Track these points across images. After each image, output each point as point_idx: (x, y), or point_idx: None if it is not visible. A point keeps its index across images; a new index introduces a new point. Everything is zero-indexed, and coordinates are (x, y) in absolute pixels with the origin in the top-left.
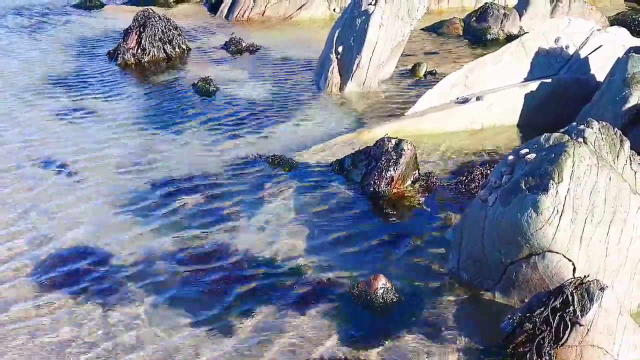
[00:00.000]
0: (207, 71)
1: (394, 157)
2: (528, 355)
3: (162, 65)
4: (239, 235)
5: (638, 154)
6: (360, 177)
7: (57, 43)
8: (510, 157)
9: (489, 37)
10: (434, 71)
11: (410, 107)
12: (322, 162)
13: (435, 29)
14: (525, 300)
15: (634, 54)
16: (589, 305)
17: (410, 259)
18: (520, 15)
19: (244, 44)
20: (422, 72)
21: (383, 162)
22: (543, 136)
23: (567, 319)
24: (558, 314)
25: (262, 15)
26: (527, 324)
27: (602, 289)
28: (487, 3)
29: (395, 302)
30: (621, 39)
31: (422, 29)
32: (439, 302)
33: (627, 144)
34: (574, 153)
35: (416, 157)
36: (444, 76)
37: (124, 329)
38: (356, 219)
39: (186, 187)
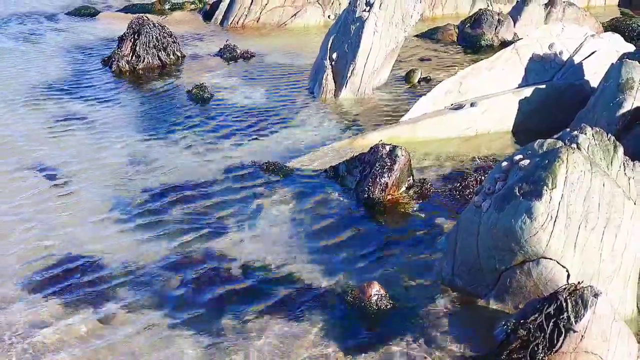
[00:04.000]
0: (202, 78)
1: (388, 164)
2: None
3: (157, 72)
4: (232, 242)
5: (632, 160)
6: (355, 184)
7: (51, 50)
8: (504, 164)
9: (483, 43)
10: (428, 77)
11: (404, 114)
12: (316, 169)
13: (430, 36)
14: (520, 307)
15: (627, 59)
16: (583, 311)
17: (405, 266)
18: (515, 22)
19: (238, 51)
20: (416, 79)
21: (377, 169)
22: (537, 142)
23: (561, 325)
24: (552, 321)
25: (257, 22)
26: (521, 330)
27: (596, 295)
28: (481, 9)
29: (389, 309)
30: (615, 45)
31: (416, 36)
32: (433, 308)
33: (620, 150)
34: (567, 159)
35: (410, 164)
36: (438, 82)
37: (116, 336)
38: (350, 225)
39: (180, 194)
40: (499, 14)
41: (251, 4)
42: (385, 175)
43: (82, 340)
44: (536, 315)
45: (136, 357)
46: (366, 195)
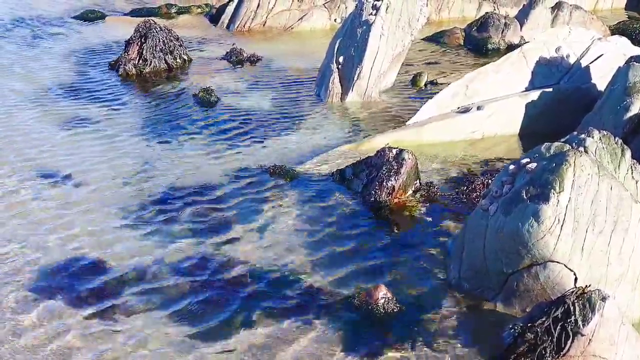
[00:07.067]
0: (208, 82)
1: (395, 167)
2: None
3: (164, 75)
4: (239, 245)
5: (639, 163)
6: (362, 187)
7: (58, 54)
8: (511, 167)
9: (489, 46)
10: (434, 81)
11: (411, 117)
12: (323, 172)
13: (436, 39)
14: (527, 310)
15: (634, 62)
16: (590, 315)
17: (412, 269)
18: (521, 25)
19: (244, 55)
20: (423, 82)
21: (384, 172)
22: (544, 145)
23: (569, 329)
24: (560, 324)
25: (263, 26)
26: (528, 334)
27: (603, 298)
28: (487, 13)
29: (396, 312)
30: (622, 48)
31: (422, 39)
32: (440, 312)
33: (628, 153)
34: (574, 162)
35: (417, 167)
36: (445, 86)
37: (123, 340)
38: (357, 229)
39: (187, 198)
40: (505, 17)
41: (257, 7)
42: (392, 178)
43: (89, 343)
44: (544, 319)
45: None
46: (373, 199)
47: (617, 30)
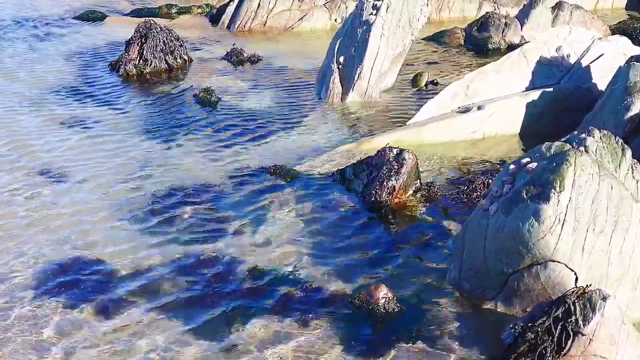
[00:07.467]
0: (209, 82)
1: (396, 167)
2: None
3: (164, 75)
4: (239, 245)
5: None
6: (362, 187)
7: (59, 54)
8: (512, 167)
9: (490, 46)
10: (435, 81)
11: (411, 117)
12: (323, 172)
13: (437, 39)
14: (527, 310)
15: (635, 62)
16: (591, 314)
17: (412, 269)
18: (522, 25)
19: (245, 55)
20: (423, 82)
21: (384, 172)
22: (544, 145)
23: (570, 328)
24: (560, 324)
25: (264, 26)
26: (528, 333)
27: (604, 298)
28: (488, 13)
29: (397, 312)
30: (623, 48)
31: (423, 39)
32: (441, 312)
33: (628, 153)
34: (575, 162)
35: (418, 167)
36: (445, 86)
37: (123, 340)
38: (357, 228)
39: (186, 198)
40: (506, 17)
41: (258, 7)
42: (393, 178)
43: (87, 342)
44: (544, 319)
45: (142, 358)
46: (373, 199)
47: (618, 29)
